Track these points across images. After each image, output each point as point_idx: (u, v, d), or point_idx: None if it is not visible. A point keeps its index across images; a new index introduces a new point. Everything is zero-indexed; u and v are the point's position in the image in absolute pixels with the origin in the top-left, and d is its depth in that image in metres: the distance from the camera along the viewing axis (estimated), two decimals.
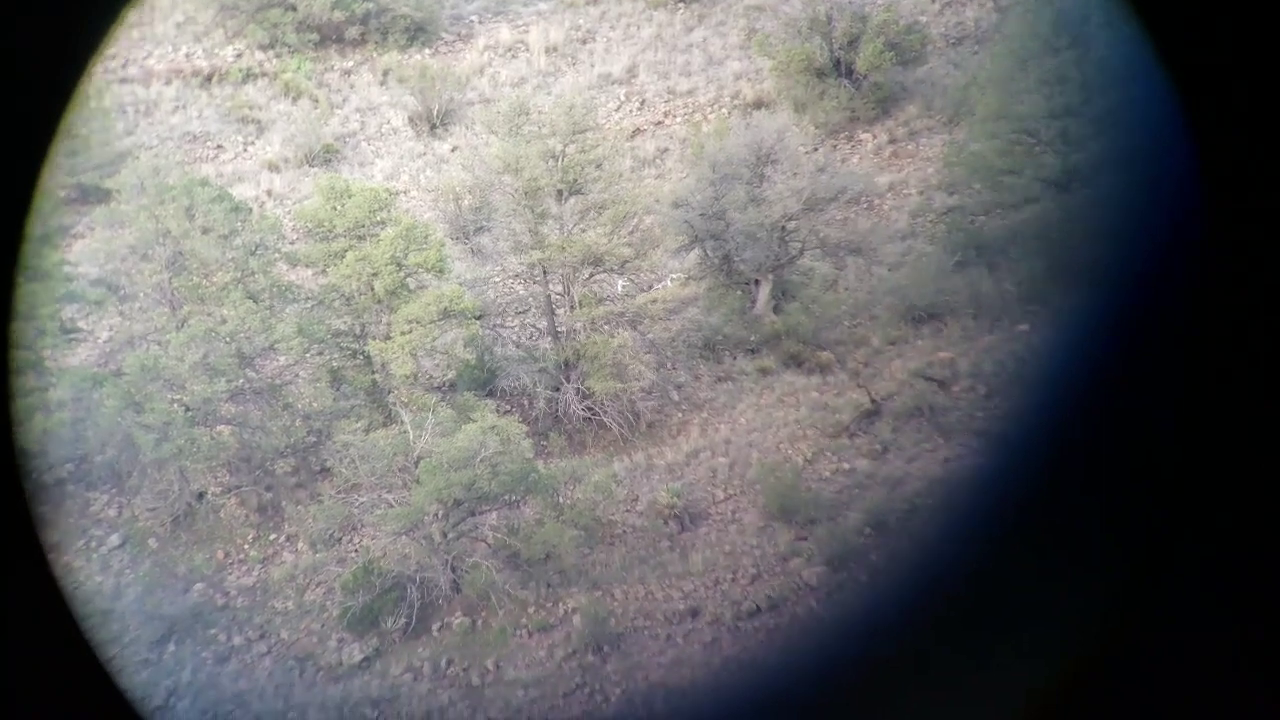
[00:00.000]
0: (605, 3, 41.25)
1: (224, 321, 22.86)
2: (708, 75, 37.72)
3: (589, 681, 19.93)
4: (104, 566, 22.72)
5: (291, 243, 27.67)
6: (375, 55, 39.06)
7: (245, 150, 35.49)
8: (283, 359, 24.68)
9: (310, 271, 25.64)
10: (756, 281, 28.48)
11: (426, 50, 39.60)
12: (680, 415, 26.16)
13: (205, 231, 23.76)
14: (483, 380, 25.68)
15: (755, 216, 27.06)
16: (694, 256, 29.01)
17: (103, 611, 21.45)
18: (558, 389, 25.59)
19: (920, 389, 24.83)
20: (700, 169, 29.23)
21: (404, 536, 21.00)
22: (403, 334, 23.09)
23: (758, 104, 35.90)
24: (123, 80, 36.84)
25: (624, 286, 27.03)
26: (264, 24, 38.22)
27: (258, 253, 24.19)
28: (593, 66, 38.49)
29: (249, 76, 37.82)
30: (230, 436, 23.33)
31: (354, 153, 35.63)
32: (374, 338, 24.06)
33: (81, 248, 28.53)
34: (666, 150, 35.10)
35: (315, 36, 38.61)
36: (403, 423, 21.40)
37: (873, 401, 24.96)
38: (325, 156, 34.99)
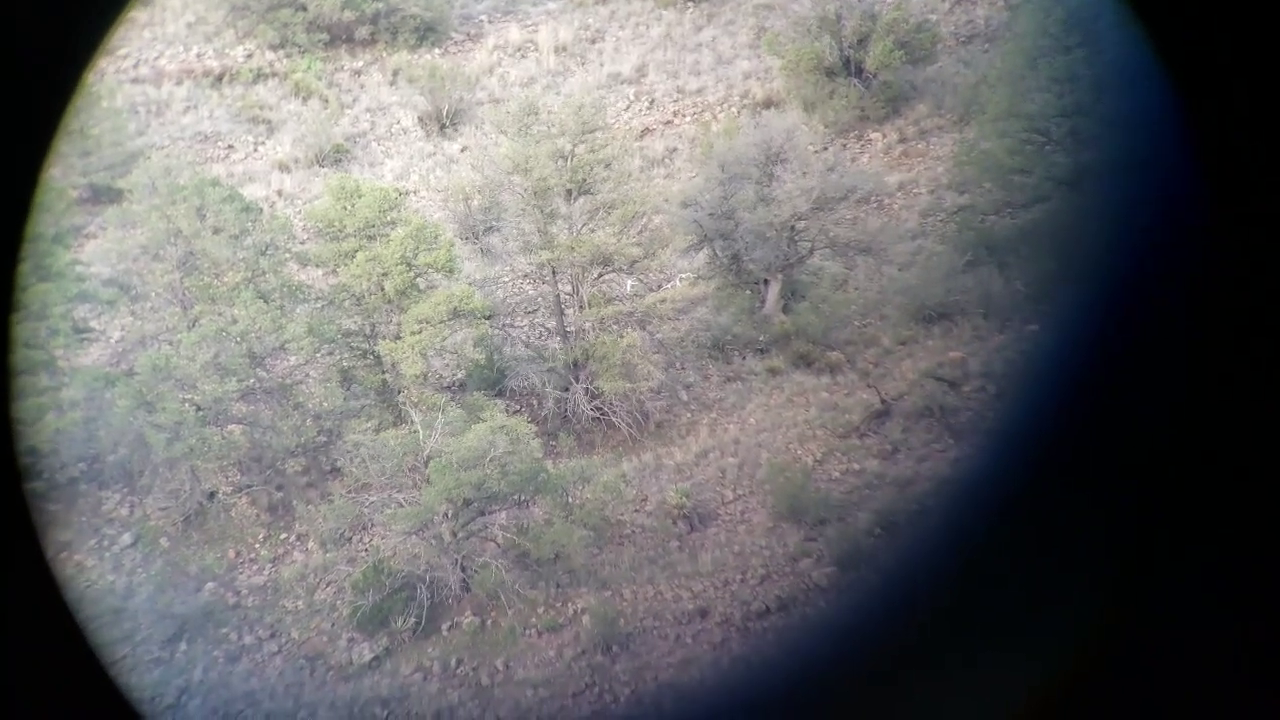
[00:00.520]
0: (614, 2, 41.26)
1: (235, 321, 22.93)
2: (717, 74, 37.70)
3: (598, 681, 19.95)
4: (116, 565, 22.82)
5: (302, 243, 27.73)
6: (385, 55, 39.13)
7: (256, 150, 35.58)
8: (293, 359, 24.73)
9: (321, 271, 25.72)
10: (766, 281, 28.47)
11: (436, 50, 39.66)
12: (689, 415, 26.16)
13: (216, 231, 23.84)
14: (492, 380, 25.72)
15: (764, 216, 27.05)
16: (703, 256, 29.00)
17: (115, 610, 21.53)
18: (567, 389, 25.61)
19: (931, 389, 24.79)
20: (709, 168, 29.22)
21: (414, 536, 21.05)
22: (413, 334, 23.14)
23: (767, 103, 35.87)
24: (134, 80, 36.97)
25: (633, 286, 27.03)
26: (274, 24, 38.31)
27: (268, 253, 24.27)
28: (602, 66, 38.50)
29: (259, 76, 37.92)
30: (241, 436, 23.40)
31: (364, 153, 35.70)
32: (384, 337, 24.12)
33: (94, 248, 28.64)
34: (675, 150, 35.09)
35: (325, 36, 38.69)
36: (413, 422, 21.45)
37: (883, 402, 24.94)
38: (335, 156, 35.07)
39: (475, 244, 29.86)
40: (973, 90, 32.68)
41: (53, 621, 5.51)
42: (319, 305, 24.76)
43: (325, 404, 24.09)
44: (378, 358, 24.36)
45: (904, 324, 27.20)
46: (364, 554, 22.38)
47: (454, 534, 21.06)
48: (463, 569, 21.48)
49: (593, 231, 25.19)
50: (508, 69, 38.89)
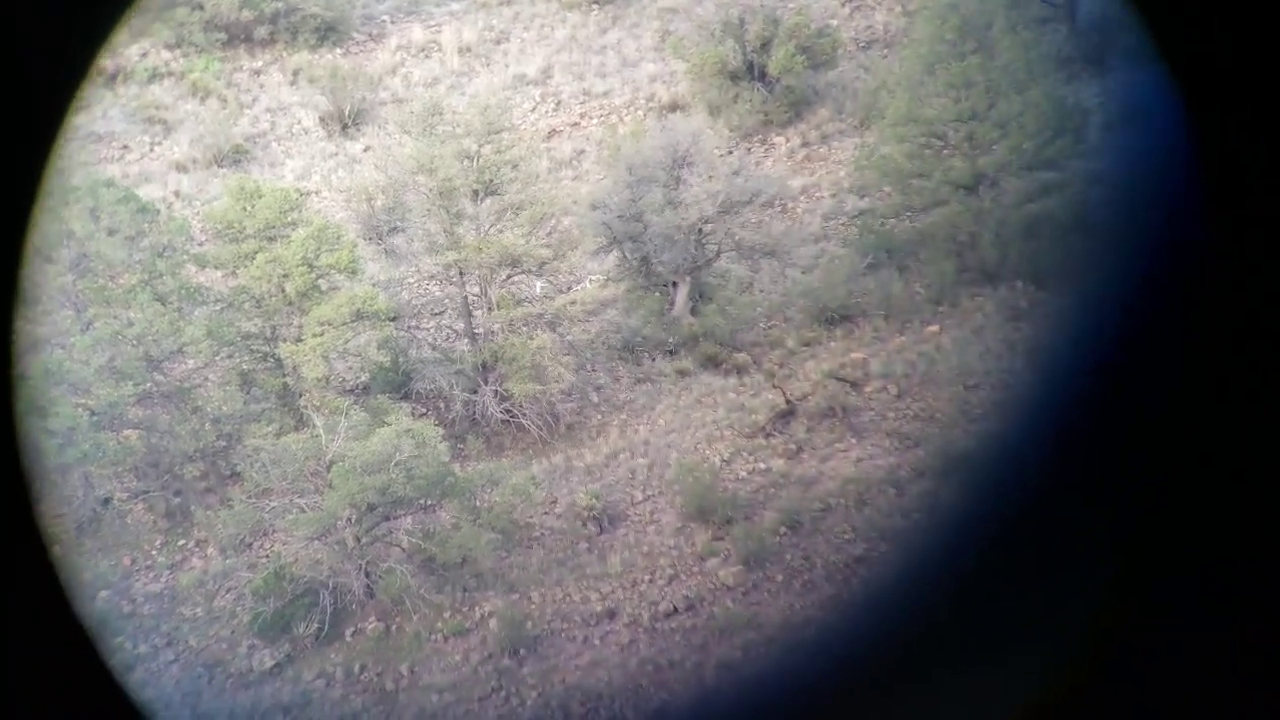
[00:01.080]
0: (519, 3, 41.12)
1: (131, 324, 22.40)
2: (623, 77, 37.79)
3: (505, 685, 19.85)
4: None
5: (200, 244, 27.13)
6: (285, 55, 38.49)
7: (152, 150, 34.76)
8: (191, 362, 24.22)
9: (220, 273, 25.22)
10: (674, 284, 28.61)
11: (337, 50, 39.13)
12: (600, 417, 26.18)
13: (111, 233, 23.24)
14: (397, 383, 25.44)
15: (672, 219, 27.19)
16: (612, 258, 29.04)
17: None
18: (475, 391, 25.45)
19: (833, 389, 25.14)
20: (617, 171, 29.28)
21: (316, 541, 20.72)
22: (314, 336, 22.81)
23: (673, 106, 36.05)
24: None
25: (542, 288, 26.96)
26: (170, 23, 37.44)
27: (165, 254, 23.73)
28: (507, 67, 38.35)
29: (155, 76, 37.04)
30: (137, 441, 22.83)
31: (264, 153, 35.08)
32: (285, 340, 23.73)
33: None
34: (583, 152, 35.09)
35: (223, 36, 37.92)
36: (314, 427, 21.13)
37: (788, 402, 25.22)
38: (235, 157, 34.39)
39: (379, 245, 29.51)
40: (872, 95, 33.24)
41: (54, 621, 5.39)
42: (218, 308, 24.28)
43: (225, 408, 23.63)
44: (279, 361, 23.97)
45: (807, 325, 27.56)
46: (265, 560, 21.98)
47: (358, 539, 20.79)
48: (367, 574, 21.21)
49: (501, 232, 25.08)
50: (411, 69, 38.53)
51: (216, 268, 24.86)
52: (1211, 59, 5.10)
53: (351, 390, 24.25)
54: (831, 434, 24.46)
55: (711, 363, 27.11)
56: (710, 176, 27.94)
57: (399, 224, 28.91)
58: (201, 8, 37.48)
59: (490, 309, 25.46)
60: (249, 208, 23.57)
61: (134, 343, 22.22)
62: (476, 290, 25.70)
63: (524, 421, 25.31)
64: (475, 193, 24.94)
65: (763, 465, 24.02)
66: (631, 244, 28.33)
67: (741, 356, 27.02)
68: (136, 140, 34.99)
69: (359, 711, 19.60)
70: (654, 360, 27.51)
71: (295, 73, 37.84)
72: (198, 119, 35.41)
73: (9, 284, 4.99)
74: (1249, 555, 5.39)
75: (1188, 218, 5.63)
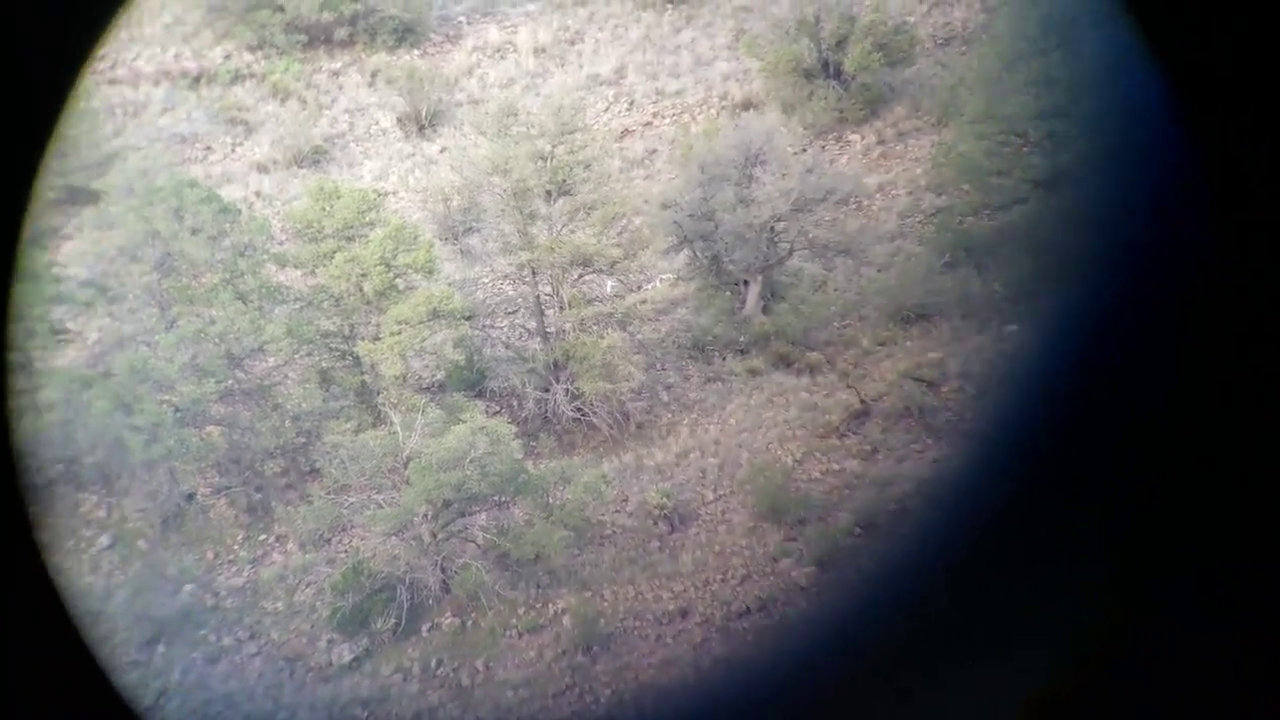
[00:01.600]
0: (593, 4, 41.27)
1: (213, 322, 22.84)
2: (696, 76, 37.76)
3: (578, 682, 19.95)
4: (94, 568, 22.69)
5: (280, 244, 27.62)
6: (364, 56, 39.03)
7: (234, 151, 35.44)
8: (272, 360, 24.65)
9: (299, 273, 25.62)
10: (745, 282, 28.54)
11: (415, 51, 39.58)
12: (670, 416, 26.19)
13: (194, 232, 23.72)
14: (472, 381, 25.68)
15: (744, 217, 27.12)
16: (683, 257, 29.04)
17: (93, 612, 21.39)
18: (547, 389, 25.61)
19: (909, 390, 24.90)
20: (689, 170, 29.26)
21: (394, 537, 21.00)
22: (392, 335, 23.08)
23: (746, 105, 35.96)
24: (111, 82, 36.74)
25: (613, 287, 27.05)
26: (252, 25, 38.16)
27: (246, 254, 24.17)
28: (581, 67, 38.51)
29: (237, 78, 37.76)
30: (219, 437, 23.31)
31: (342, 154, 35.59)
32: (363, 338, 24.06)
33: (71, 249, 28.41)
34: (655, 151, 35.13)
35: (303, 37, 38.55)
36: (392, 423, 21.39)
37: (862, 402, 25.03)
38: (314, 157, 34.95)
39: (455, 245, 29.81)
40: (950, 92, 32.84)
41: (51, 621, 5.50)
42: (297, 306, 24.67)
43: (304, 405, 24.02)
44: (357, 359, 24.30)
45: (883, 325, 27.32)
46: (344, 555, 22.32)
47: (434, 535, 21.03)
48: (443, 570, 21.44)
49: (573, 232, 25.20)
50: (487, 70, 38.85)
51: (296, 267, 25.26)
52: (1210, 62, 5.04)
53: (428, 388, 24.53)
54: (907, 435, 24.22)
55: (783, 362, 26.99)
56: (783, 174, 27.81)
57: (474, 224, 29.19)
58: (283, 10, 38.13)
59: (562, 308, 25.60)
60: (328, 208, 23.92)
61: (216, 340, 22.66)
62: (549, 289, 25.86)
63: (595, 420, 25.42)
64: (548, 193, 25.08)
65: (836, 466, 23.87)
66: (702, 242, 28.30)
67: (814, 356, 26.86)
68: (219, 141, 35.69)
69: (435, 707, 19.83)
70: (725, 359, 27.47)
71: (373, 74, 38.35)
72: (278, 120, 36.04)
73: (8, 284, 5.10)
74: (1248, 555, 5.37)
75: (1187, 218, 5.58)
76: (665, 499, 23.15)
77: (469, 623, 21.26)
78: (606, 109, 36.88)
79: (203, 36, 38.70)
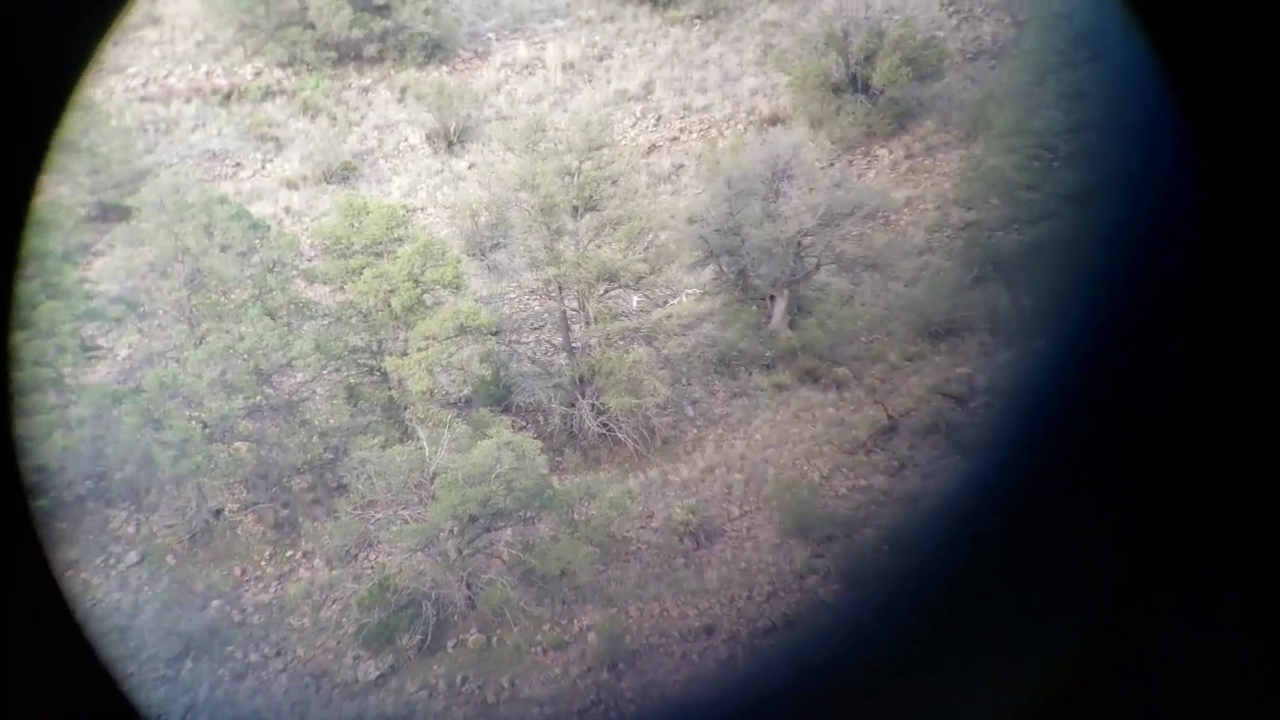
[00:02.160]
0: (622, 19, 41.39)
1: (242, 338, 22.97)
2: (723, 91, 37.78)
3: (604, 699, 19.89)
4: (122, 583, 22.83)
5: (309, 260, 27.81)
6: (393, 72, 39.27)
7: (264, 168, 35.71)
8: (300, 376, 24.77)
9: (328, 288, 25.76)
10: (772, 297, 28.47)
11: (444, 67, 39.79)
12: (695, 431, 26.13)
13: (224, 249, 23.89)
14: (498, 396, 25.73)
15: (771, 232, 27.07)
16: (709, 272, 29.02)
17: (120, 628, 21.53)
18: (573, 405, 25.62)
19: (937, 405, 24.75)
20: (716, 185, 29.25)
21: (420, 553, 21.03)
22: (419, 350, 23.16)
23: (773, 120, 35.93)
24: (143, 99, 37.14)
25: (639, 302, 27.05)
26: (283, 42, 38.48)
27: (276, 270, 24.31)
28: (609, 83, 38.60)
29: (268, 94, 38.08)
30: (247, 453, 23.43)
31: (371, 170, 35.80)
32: (391, 354, 24.14)
33: (102, 265, 28.73)
34: (682, 166, 35.14)
35: (333, 54, 38.84)
36: (419, 439, 21.45)
37: (890, 418, 24.89)
38: (343, 174, 35.18)
39: (482, 260, 29.87)
40: (980, 106, 32.71)
41: (63, 637, 5.51)
42: (326, 322, 24.78)
43: (332, 421, 24.12)
44: (384, 374, 24.39)
45: (910, 340, 27.17)
46: (370, 571, 22.36)
47: (459, 551, 21.04)
48: (468, 586, 21.44)
49: (599, 247, 25.23)
50: (515, 86, 39.00)
51: (325, 283, 25.40)
52: (1210, 62, 5.00)
53: (454, 403, 24.60)
54: (935, 450, 24.06)
55: (810, 377, 26.88)
56: (811, 189, 27.75)
57: (501, 240, 29.24)
58: (313, 27, 38.43)
59: (588, 323, 25.62)
60: (357, 224, 24.04)
61: (245, 356, 22.78)
62: (575, 305, 25.89)
63: (620, 435, 25.40)
64: (575, 209, 25.13)
65: (864, 482, 23.74)
66: (729, 257, 28.26)
67: (841, 371, 26.75)
68: (249, 157, 35.98)
69: None
70: (750, 374, 27.39)
71: (403, 90, 38.58)
72: (308, 136, 36.30)
73: (8, 284, 5.11)
74: (1248, 555, 5.34)
75: (1188, 219, 5.57)
76: (691, 515, 23.08)
77: (494, 639, 21.24)
78: (634, 124, 36.93)
79: (233, 54, 39.06)
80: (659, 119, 37.14)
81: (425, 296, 23.98)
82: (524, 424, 25.25)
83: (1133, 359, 6.67)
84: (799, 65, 35.08)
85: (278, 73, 38.63)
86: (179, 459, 21.83)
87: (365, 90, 38.85)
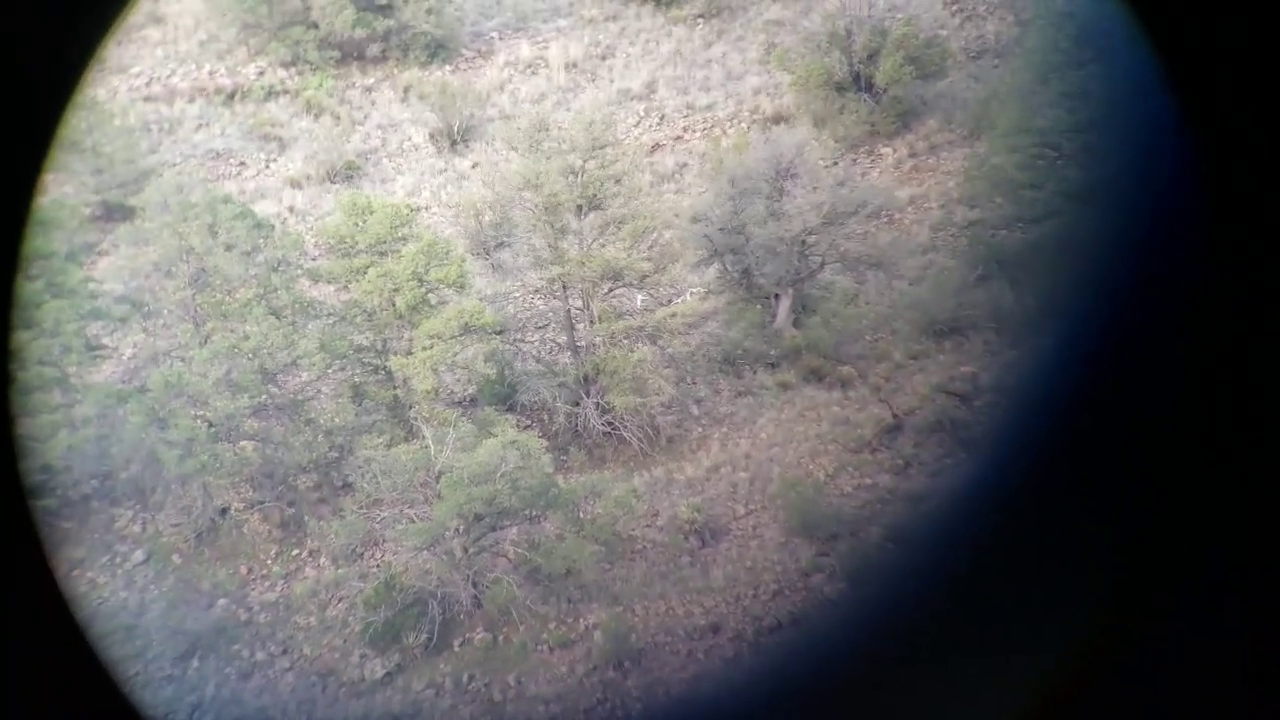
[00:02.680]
0: (625, 19, 41.40)
1: (247, 338, 22.99)
2: (727, 90, 37.79)
3: (610, 697, 19.91)
4: (128, 582, 22.85)
5: (314, 259, 27.82)
6: (396, 72, 39.28)
7: (268, 167, 35.73)
8: (305, 375, 24.78)
9: (332, 288, 25.79)
10: (776, 296, 28.48)
11: (447, 67, 39.80)
12: (700, 430, 26.14)
13: (228, 248, 23.91)
14: (503, 395, 25.75)
15: (775, 230, 27.07)
16: (713, 271, 29.02)
17: (127, 627, 21.55)
18: (577, 404, 25.63)
19: (942, 404, 24.76)
20: (719, 183, 29.25)
21: (425, 552, 21.05)
22: (424, 349, 23.17)
23: (777, 119, 35.93)
24: (147, 98, 37.16)
25: (643, 301, 27.07)
26: (286, 42, 38.50)
27: (280, 269, 24.33)
28: (612, 82, 38.61)
29: (271, 94, 38.09)
30: (253, 452, 23.45)
31: (375, 169, 35.82)
32: (396, 353, 24.16)
33: (106, 265, 28.76)
34: (686, 165, 35.15)
35: (337, 54, 38.86)
36: (424, 438, 21.46)
37: (894, 416, 24.89)
38: (347, 173, 35.19)
39: (486, 260, 29.91)
40: (983, 105, 32.71)
41: (64, 639, 5.52)
42: (331, 321, 24.81)
43: (337, 420, 24.14)
44: (389, 373, 24.41)
45: (915, 338, 27.18)
46: (376, 570, 22.38)
47: (465, 549, 21.06)
48: (474, 585, 21.46)
49: (603, 246, 25.24)
50: (518, 85, 39.01)
51: (329, 282, 25.42)
52: (1211, 63, 5.02)
53: (459, 402, 24.59)
54: (940, 449, 24.06)
55: (815, 376, 26.89)
56: (814, 188, 27.76)
57: (505, 239, 29.28)
58: (316, 26, 38.45)
59: (592, 322, 25.64)
60: (361, 223, 24.06)
61: (250, 356, 22.79)
62: (579, 304, 25.90)
63: (625, 434, 25.41)
64: (579, 208, 25.14)
65: (869, 480, 23.75)
66: (733, 256, 28.27)
67: (846, 370, 26.76)
68: (253, 157, 35.99)
69: None
70: (755, 373, 27.39)
71: (406, 89, 38.59)
72: (311, 136, 36.32)
73: (8, 284, 5.12)
74: (1249, 555, 5.36)
75: (1189, 219, 5.59)
76: (696, 513, 23.09)
77: (500, 637, 21.26)
78: (637, 123, 36.94)
79: (237, 53, 39.08)
80: (662, 118, 37.15)
81: (430, 296, 24.00)
82: (529, 423, 25.27)
83: (1135, 359, 6.70)
84: (802, 64, 35.08)
85: (281, 72, 38.65)
86: (184, 458, 21.85)
87: (368, 90, 38.87)
